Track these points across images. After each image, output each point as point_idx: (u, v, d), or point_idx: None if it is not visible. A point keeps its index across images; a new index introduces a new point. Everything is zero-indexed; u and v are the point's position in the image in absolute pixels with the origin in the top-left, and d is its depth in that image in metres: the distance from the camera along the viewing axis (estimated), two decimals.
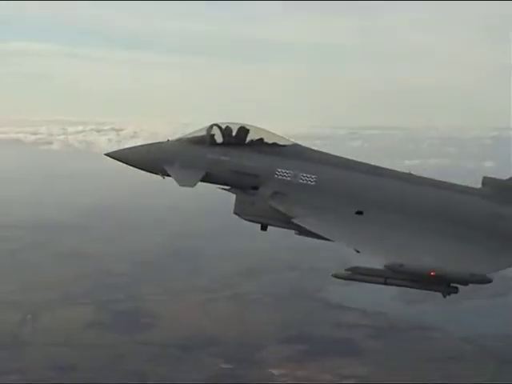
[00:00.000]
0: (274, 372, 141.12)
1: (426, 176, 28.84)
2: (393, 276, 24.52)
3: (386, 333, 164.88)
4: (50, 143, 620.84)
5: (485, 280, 23.46)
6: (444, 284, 23.97)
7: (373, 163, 30.45)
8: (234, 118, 31.09)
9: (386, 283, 24.84)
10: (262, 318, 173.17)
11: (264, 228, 29.55)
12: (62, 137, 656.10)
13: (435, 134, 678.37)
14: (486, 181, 28.80)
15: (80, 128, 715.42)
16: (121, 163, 31.38)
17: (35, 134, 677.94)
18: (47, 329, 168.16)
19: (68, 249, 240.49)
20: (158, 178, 32.04)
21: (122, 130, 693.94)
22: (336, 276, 26.53)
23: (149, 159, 30.14)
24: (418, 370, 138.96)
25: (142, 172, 31.97)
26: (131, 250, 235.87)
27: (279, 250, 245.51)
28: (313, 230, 27.34)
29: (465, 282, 23.48)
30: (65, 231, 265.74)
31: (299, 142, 30.49)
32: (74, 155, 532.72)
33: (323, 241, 30.42)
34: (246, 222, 28.40)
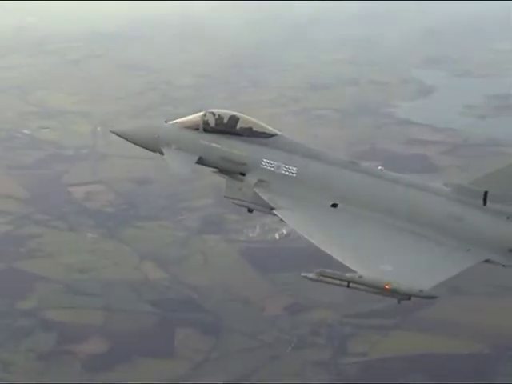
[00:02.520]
0: None
1: (395, 173, 30.44)
2: (354, 282, 25.90)
3: (459, 149, 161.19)
4: None
5: (430, 296, 25.15)
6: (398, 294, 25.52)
7: None
8: None
9: (348, 286, 25.92)
10: (331, 133, 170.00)
11: (250, 211, 31.69)
12: None
13: None
14: (448, 182, 30.20)
15: None
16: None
17: None
18: (119, 141, 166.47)
19: (129, 61, 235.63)
20: None
21: None
22: (305, 277, 27.32)
23: (148, 140, 32.38)
24: None
25: None
26: (193, 63, 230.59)
27: (339, 63, 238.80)
28: (290, 224, 29.32)
29: (414, 296, 25.22)
30: (123, 42, 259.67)
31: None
32: None
33: None
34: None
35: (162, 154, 32.53)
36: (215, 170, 32.26)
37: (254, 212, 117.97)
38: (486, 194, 28.80)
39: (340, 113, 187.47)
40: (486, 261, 28.39)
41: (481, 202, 28.91)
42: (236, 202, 31.65)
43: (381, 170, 30.96)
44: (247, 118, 32.13)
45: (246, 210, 31.63)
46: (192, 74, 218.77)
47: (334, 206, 30.00)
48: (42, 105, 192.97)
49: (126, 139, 33.66)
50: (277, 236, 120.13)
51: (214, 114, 32.05)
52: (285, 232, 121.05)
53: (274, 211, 30.07)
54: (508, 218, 28.48)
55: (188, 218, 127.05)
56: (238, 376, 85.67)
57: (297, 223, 29.29)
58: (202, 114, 32.25)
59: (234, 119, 31.94)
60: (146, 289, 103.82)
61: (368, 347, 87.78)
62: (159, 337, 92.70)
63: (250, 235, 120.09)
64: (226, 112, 32.25)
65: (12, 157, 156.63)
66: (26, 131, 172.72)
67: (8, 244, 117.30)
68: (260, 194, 30.66)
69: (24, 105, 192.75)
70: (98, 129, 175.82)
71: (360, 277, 25.53)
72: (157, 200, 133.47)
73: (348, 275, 25.79)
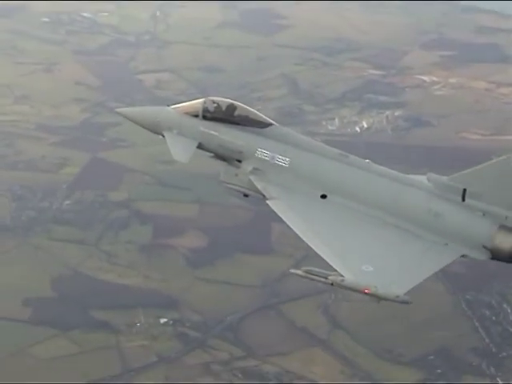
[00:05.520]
0: (425, 79, 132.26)
1: (381, 166, 30.76)
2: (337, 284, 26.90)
3: None
4: None
5: (406, 302, 26.17)
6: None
7: None
8: None
9: (332, 285, 26.97)
10: (397, 22, 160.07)
11: (246, 196, 31.96)
12: None
13: None
14: (431, 177, 30.21)
15: None
16: None
17: None
18: (179, 26, 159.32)
19: None
20: None
21: None
22: (294, 273, 28.25)
23: (152, 123, 32.63)
24: None
25: None
26: None
27: None
28: (282, 216, 29.77)
29: (391, 301, 26.22)
30: None
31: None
32: None
33: None
34: None
35: (163, 136, 32.62)
36: (212, 155, 32.43)
37: (333, 104, 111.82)
38: (464, 191, 29.35)
39: None
40: (463, 256, 29.08)
41: (459, 198, 29.42)
42: (232, 186, 31.77)
43: (368, 162, 31.02)
44: (244, 107, 32.26)
45: (242, 194, 31.96)
46: None
47: (323, 197, 30.67)
48: None
49: (131, 120, 33.60)
50: (357, 129, 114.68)
51: (213, 102, 32.29)
52: (365, 125, 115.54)
53: (267, 201, 30.63)
54: (484, 214, 29.05)
55: (263, 109, 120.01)
56: None
57: (287, 216, 29.86)
58: (202, 100, 32.47)
59: (231, 107, 32.19)
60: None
61: None
62: (255, 232, 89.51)
63: (330, 128, 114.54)
64: (224, 100, 32.41)
65: (76, 41, 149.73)
66: (85, 14, 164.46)
67: (88, 132, 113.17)
68: (254, 182, 31.02)
69: None
70: (158, 13, 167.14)
71: (342, 280, 26.46)
72: (229, 90, 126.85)
73: (331, 277, 26.71)
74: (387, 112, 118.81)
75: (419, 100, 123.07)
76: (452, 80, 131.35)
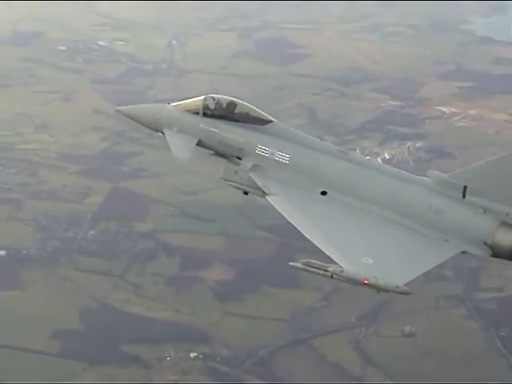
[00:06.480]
0: (445, 110, 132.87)
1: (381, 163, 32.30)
2: (336, 275, 26.95)
3: None
4: None
5: (406, 292, 26.32)
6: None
7: None
8: None
9: (332, 277, 26.95)
10: (412, 52, 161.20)
11: (246, 193, 32.35)
12: None
13: None
14: (431, 175, 30.47)
15: None
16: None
17: None
18: (196, 55, 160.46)
19: None
20: None
21: None
22: (293, 266, 28.21)
23: (152, 120, 33.03)
24: None
25: None
26: None
27: None
28: (281, 212, 29.98)
29: (390, 291, 26.42)
30: None
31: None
32: None
33: None
34: None
35: (163, 134, 32.93)
36: (212, 152, 32.69)
37: (353, 135, 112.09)
38: (465, 188, 29.50)
39: (415, 29, 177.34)
40: (463, 252, 29.23)
41: (460, 195, 29.60)
42: (232, 184, 32.10)
43: (368, 159, 31.88)
44: (245, 104, 32.58)
45: (242, 192, 32.29)
46: None
47: (324, 193, 30.93)
48: (112, 16, 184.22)
49: (131, 118, 33.95)
50: (379, 160, 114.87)
51: (213, 99, 32.65)
52: (387, 157, 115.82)
53: (267, 198, 30.82)
54: (484, 211, 29.21)
55: None
56: (369, 307, 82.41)
57: (287, 211, 30.00)
58: (202, 98, 32.83)
59: (232, 105, 32.47)
60: (256, 213, 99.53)
61: (502, 282, 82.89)
62: (282, 264, 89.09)
63: None
64: (224, 97, 32.76)
65: (93, 70, 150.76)
66: (101, 43, 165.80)
67: (109, 162, 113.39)
68: (254, 179, 31.38)
69: (94, 16, 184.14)
70: (174, 42, 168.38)
71: (342, 271, 26.46)
72: None
73: (331, 268, 26.70)
74: (408, 143, 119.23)
75: (440, 131, 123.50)
76: (472, 111, 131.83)
